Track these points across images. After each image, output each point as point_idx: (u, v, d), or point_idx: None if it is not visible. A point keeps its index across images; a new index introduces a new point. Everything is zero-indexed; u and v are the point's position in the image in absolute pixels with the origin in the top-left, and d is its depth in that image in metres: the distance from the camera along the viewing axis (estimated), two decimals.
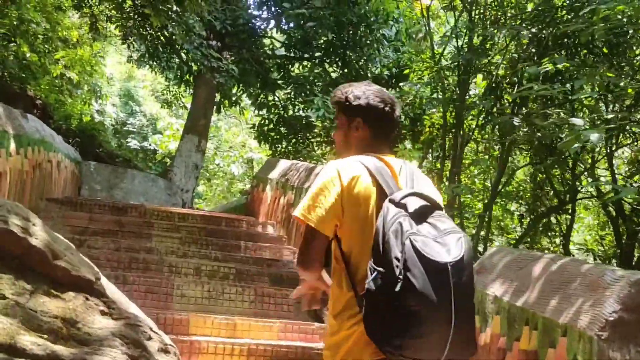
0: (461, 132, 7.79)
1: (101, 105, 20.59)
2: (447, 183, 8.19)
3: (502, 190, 8.90)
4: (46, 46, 15.74)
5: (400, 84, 13.24)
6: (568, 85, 7.26)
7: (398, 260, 1.89)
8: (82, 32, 16.80)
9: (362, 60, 12.24)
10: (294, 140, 13.90)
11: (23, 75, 13.04)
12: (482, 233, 7.90)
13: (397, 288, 1.87)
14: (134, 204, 8.47)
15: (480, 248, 7.57)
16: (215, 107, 14.56)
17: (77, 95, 16.54)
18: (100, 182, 11.54)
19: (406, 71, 10.43)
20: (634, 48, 8.10)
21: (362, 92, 2.31)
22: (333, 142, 12.29)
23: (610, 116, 6.53)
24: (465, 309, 1.93)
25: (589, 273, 3.75)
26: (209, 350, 4.29)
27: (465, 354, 1.99)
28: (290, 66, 13.87)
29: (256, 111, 14.74)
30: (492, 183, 7.76)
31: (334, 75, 13.36)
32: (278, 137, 13.88)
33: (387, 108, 2.31)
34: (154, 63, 12.90)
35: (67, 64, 16.10)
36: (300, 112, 14.11)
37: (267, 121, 14.06)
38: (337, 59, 12.90)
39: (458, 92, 8.26)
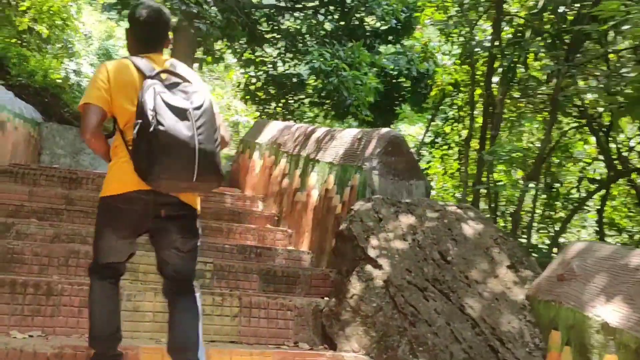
0: (492, 85, 6.03)
1: (78, 65, 18.56)
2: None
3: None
4: None
5: (405, 38, 11.51)
6: None
7: (151, 110, 2.44)
8: None
9: (363, 9, 10.36)
10: (283, 101, 12.10)
11: None
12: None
13: (151, 129, 2.42)
14: (93, 172, 6.68)
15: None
16: (197, 64, 12.70)
17: (45, 50, 14.58)
18: (64, 147, 9.73)
19: (416, 14, 8.60)
20: None
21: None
22: (326, 103, 10.58)
23: None
24: (207, 143, 2.48)
25: None
26: None
27: (213, 183, 2.63)
28: (280, 17, 11.98)
29: (242, 69, 12.90)
30: (537, 149, 6.04)
31: (329, 27, 11.48)
32: (266, 97, 12.06)
33: (143, 16, 2.77)
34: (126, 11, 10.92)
35: (35, 17, 14.28)
36: (292, 69, 12.28)
37: (254, 80, 12.22)
38: (334, 9, 11.02)
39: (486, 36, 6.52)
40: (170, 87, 2.54)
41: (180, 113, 2.44)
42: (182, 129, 2.41)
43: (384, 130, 5.02)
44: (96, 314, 2.70)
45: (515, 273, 3.84)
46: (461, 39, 7.93)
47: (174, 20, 11.33)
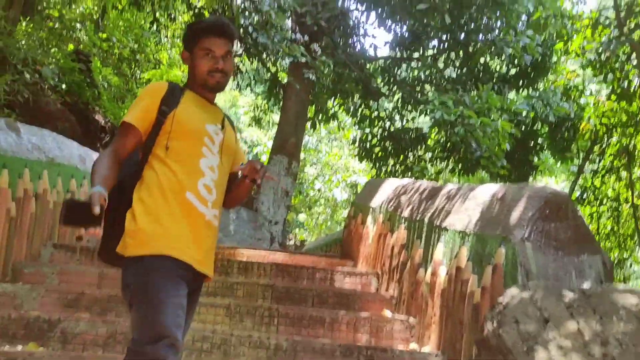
0: None
1: None
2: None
3: None
4: (134, 68, 14.23)
5: (538, 81, 9.93)
6: None
7: None
8: (172, 54, 15.15)
9: (489, 52, 8.93)
10: (402, 157, 10.81)
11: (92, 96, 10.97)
12: None
13: None
14: None
15: None
16: (310, 123, 11.82)
17: None
18: None
19: (558, 45, 7.10)
20: None
21: None
22: (450, 157, 9.15)
23: None
24: None
25: None
26: None
27: None
28: (396, 69, 10.85)
29: (357, 126, 11.86)
30: None
31: (448, 74, 10.17)
32: (383, 154, 10.84)
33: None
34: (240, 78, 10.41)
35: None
36: (410, 123, 11.04)
37: (370, 136, 11.09)
38: (455, 55, 9.73)
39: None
40: None
41: None
42: None
43: (537, 185, 3.56)
44: None
45: None
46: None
47: (284, 77, 10.59)
